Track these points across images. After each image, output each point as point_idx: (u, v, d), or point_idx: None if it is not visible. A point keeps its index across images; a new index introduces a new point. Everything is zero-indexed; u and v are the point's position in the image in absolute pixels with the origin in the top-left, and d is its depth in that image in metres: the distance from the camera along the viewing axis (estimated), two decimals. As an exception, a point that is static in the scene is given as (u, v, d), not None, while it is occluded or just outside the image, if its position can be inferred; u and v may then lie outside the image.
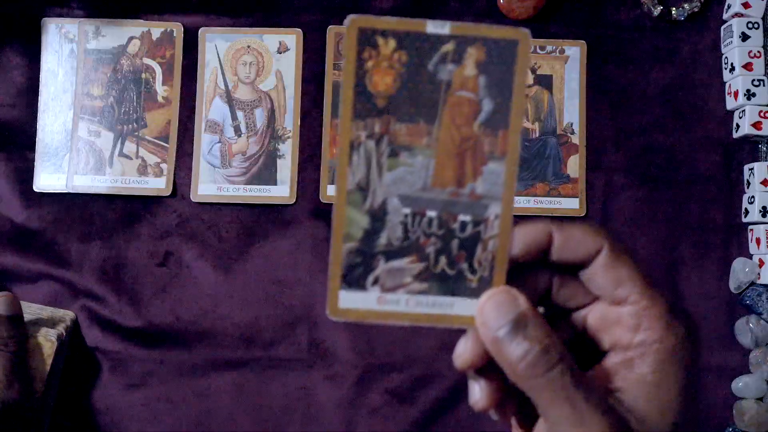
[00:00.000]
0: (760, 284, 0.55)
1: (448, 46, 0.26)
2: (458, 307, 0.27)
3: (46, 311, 0.54)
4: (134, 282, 0.56)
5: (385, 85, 0.26)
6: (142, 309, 0.56)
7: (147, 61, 0.58)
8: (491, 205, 0.27)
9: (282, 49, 0.58)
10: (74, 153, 0.57)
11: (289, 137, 0.57)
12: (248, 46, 0.58)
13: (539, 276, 0.29)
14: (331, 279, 0.27)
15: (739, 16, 0.57)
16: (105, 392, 0.55)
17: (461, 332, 0.28)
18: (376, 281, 0.27)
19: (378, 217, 0.27)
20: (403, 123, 0.27)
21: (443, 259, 0.27)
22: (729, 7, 0.58)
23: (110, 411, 0.55)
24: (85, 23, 0.58)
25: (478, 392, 0.29)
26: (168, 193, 0.57)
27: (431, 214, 0.27)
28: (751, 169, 0.57)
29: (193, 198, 0.57)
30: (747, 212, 0.56)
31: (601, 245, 0.27)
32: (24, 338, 0.51)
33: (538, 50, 0.58)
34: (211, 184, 0.57)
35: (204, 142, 0.57)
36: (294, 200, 0.57)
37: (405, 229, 0.27)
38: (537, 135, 0.58)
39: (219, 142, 0.57)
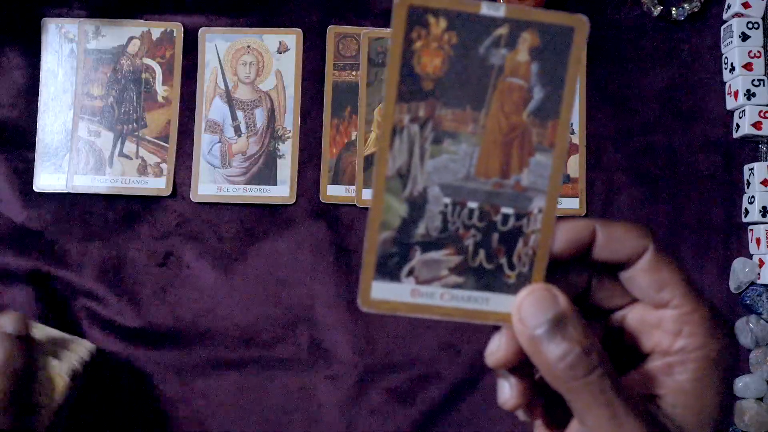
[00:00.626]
0: (760, 284, 0.55)
1: (502, 30, 0.25)
2: (494, 302, 0.27)
3: (64, 339, 0.50)
4: (134, 282, 0.56)
5: (433, 67, 0.25)
6: (142, 309, 0.56)
7: (147, 61, 0.58)
8: (535, 199, 0.26)
9: (282, 49, 0.58)
10: (74, 153, 0.57)
11: (289, 137, 0.57)
12: (248, 46, 0.58)
13: (577, 274, 0.28)
14: (365, 268, 0.26)
15: (739, 16, 0.57)
16: (105, 392, 0.55)
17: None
18: (410, 272, 0.26)
19: (417, 205, 0.26)
20: (449, 108, 0.25)
21: (482, 253, 0.26)
22: (729, 7, 0.58)
23: (110, 411, 0.55)
24: (85, 23, 0.58)
25: (508, 391, 0.28)
26: (168, 193, 0.57)
27: (472, 205, 0.26)
28: (751, 169, 0.57)
29: (193, 198, 0.57)
30: (747, 212, 0.56)
31: (645, 246, 0.27)
32: (30, 362, 0.46)
33: (538, 50, 0.58)
34: (211, 184, 0.57)
35: (204, 142, 0.57)
36: (294, 200, 0.57)
37: (444, 220, 0.26)
38: (537, 135, 0.58)
39: (219, 142, 0.57)
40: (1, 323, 0.45)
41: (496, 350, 0.27)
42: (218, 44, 0.58)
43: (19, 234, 0.56)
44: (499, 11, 0.25)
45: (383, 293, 0.26)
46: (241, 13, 0.59)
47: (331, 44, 0.58)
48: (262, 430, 0.55)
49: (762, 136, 0.56)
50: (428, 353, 0.55)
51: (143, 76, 0.58)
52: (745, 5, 0.56)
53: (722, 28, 0.58)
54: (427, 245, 0.26)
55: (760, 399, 0.55)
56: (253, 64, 0.58)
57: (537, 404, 0.28)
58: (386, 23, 0.59)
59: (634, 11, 0.59)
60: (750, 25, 0.56)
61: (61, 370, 0.48)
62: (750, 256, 0.56)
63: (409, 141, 0.25)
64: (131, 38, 0.58)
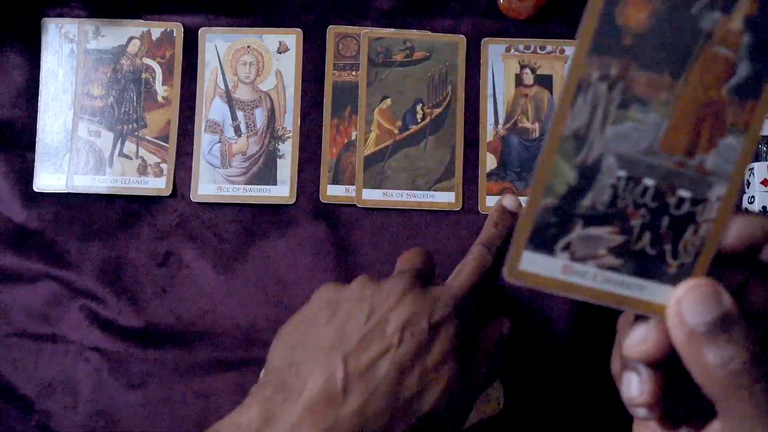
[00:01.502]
0: (760, 284, 0.55)
1: None
2: (650, 291, 0.24)
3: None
4: (134, 282, 0.56)
5: (637, 20, 0.22)
6: (142, 309, 0.56)
7: (147, 61, 0.58)
8: (716, 185, 0.24)
9: (282, 49, 0.58)
10: (74, 153, 0.57)
11: (289, 137, 0.57)
12: (248, 46, 0.58)
13: (735, 272, 0.26)
14: (518, 235, 0.24)
15: (739, 16, 0.57)
16: (105, 392, 0.55)
17: None
18: (567, 247, 0.24)
19: (588, 174, 0.23)
20: (644, 70, 0.23)
21: (647, 236, 0.24)
22: (729, 7, 0.58)
23: (110, 411, 0.55)
24: (85, 23, 0.58)
25: (638, 386, 0.26)
26: (168, 193, 0.57)
27: (649, 182, 0.24)
28: (751, 169, 0.57)
29: (193, 198, 0.57)
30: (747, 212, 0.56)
31: None
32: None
33: (538, 50, 0.58)
34: (211, 184, 0.57)
35: (204, 142, 0.57)
36: (294, 200, 0.57)
37: (614, 194, 0.24)
38: (537, 135, 0.58)
39: (219, 142, 0.57)
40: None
41: (643, 342, 0.25)
42: (218, 44, 0.58)
43: (19, 234, 0.56)
44: None
45: (533, 266, 0.24)
46: (241, 13, 0.59)
47: (331, 44, 0.58)
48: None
49: (762, 136, 0.56)
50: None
51: (143, 76, 0.58)
52: (745, 5, 0.56)
53: (722, 28, 0.58)
54: (590, 219, 0.24)
55: (760, 399, 0.55)
56: (253, 64, 0.58)
57: (664, 405, 0.26)
58: (386, 23, 0.59)
59: (634, 11, 0.59)
60: (750, 25, 0.56)
61: (497, 389, 0.46)
62: (750, 256, 0.56)
63: (593, 101, 0.23)
64: (131, 38, 0.58)
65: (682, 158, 0.24)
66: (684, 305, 0.24)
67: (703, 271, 0.24)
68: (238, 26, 0.58)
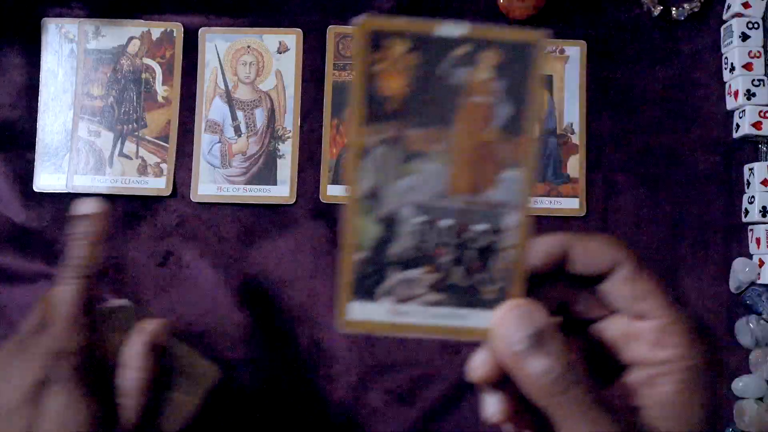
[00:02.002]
0: (760, 284, 0.55)
1: (462, 49, 0.25)
2: (474, 319, 0.26)
3: (191, 358, 0.45)
4: (134, 282, 0.56)
5: (396, 88, 0.25)
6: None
7: (147, 61, 0.58)
8: (508, 214, 0.26)
9: (282, 49, 0.58)
10: (74, 153, 0.57)
11: (289, 137, 0.57)
12: (248, 46, 0.58)
13: (555, 288, 0.28)
14: (341, 290, 0.26)
15: (739, 16, 0.57)
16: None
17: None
18: (388, 292, 0.26)
19: (390, 225, 0.26)
20: (416, 128, 0.25)
21: (458, 270, 0.26)
22: (729, 7, 0.58)
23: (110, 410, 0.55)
24: (85, 23, 0.58)
25: (492, 406, 0.28)
26: (168, 193, 0.57)
27: (445, 222, 0.26)
28: (751, 169, 0.57)
29: (193, 198, 0.57)
30: (747, 212, 0.56)
31: (618, 259, 0.27)
32: (163, 374, 0.41)
33: (538, 50, 0.58)
34: (211, 184, 0.57)
35: (204, 142, 0.57)
36: (294, 200, 0.57)
37: (418, 238, 0.26)
38: (537, 135, 0.58)
39: (219, 142, 0.57)
40: (152, 336, 0.41)
41: (478, 366, 0.27)
42: (218, 44, 0.58)
43: (19, 234, 0.56)
44: (457, 31, 0.25)
45: (361, 314, 0.26)
46: (241, 13, 0.59)
47: (331, 44, 0.58)
48: (261, 429, 0.55)
49: (762, 136, 0.56)
50: (428, 353, 0.55)
51: (143, 76, 0.58)
52: (745, 5, 0.56)
53: (722, 28, 0.58)
54: (403, 264, 0.26)
55: (760, 399, 0.55)
56: (253, 64, 0.58)
57: (525, 418, 0.28)
58: (386, 23, 0.59)
59: (634, 11, 0.59)
60: (750, 25, 0.56)
61: (187, 394, 0.43)
62: (750, 256, 0.56)
63: (379, 162, 0.26)
64: (131, 38, 0.58)
65: (469, 197, 0.26)
66: (502, 326, 0.26)
67: (519, 293, 0.26)
68: (238, 26, 0.58)
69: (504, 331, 0.26)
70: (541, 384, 0.25)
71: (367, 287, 0.26)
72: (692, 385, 0.26)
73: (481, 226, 0.26)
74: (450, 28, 0.25)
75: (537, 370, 0.25)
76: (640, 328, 0.27)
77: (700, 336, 0.26)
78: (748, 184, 0.57)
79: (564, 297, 0.28)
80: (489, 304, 0.26)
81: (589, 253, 0.27)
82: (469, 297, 0.26)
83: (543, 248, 0.27)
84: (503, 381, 0.27)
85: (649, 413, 0.26)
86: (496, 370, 0.26)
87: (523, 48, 0.25)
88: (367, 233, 0.26)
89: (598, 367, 0.28)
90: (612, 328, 0.28)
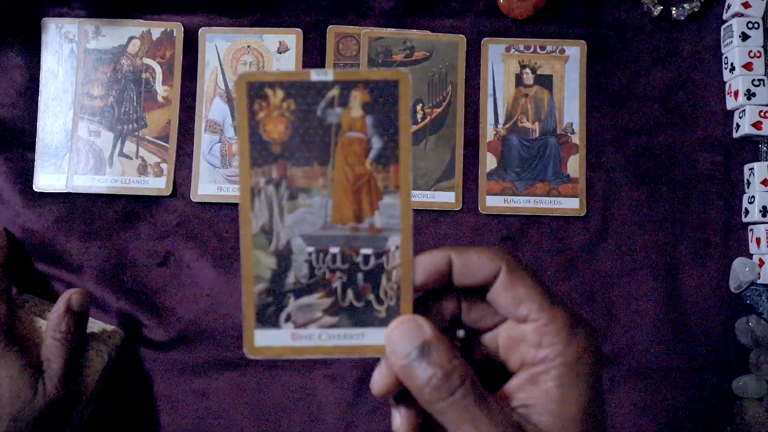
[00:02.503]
0: (760, 284, 0.55)
1: (334, 92, 0.28)
2: (369, 337, 0.29)
3: (97, 325, 0.54)
4: (134, 282, 0.56)
5: (277, 132, 0.28)
6: (142, 309, 0.56)
7: (147, 61, 0.58)
8: (391, 237, 0.28)
9: (282, 49, 0.58)
10: (74, 153, 0.57)
11: (289, 137, 0.57)
12: (248, 46, 0.58)
13: (447, 301, 0.30)
14: (246, 319, 0.28)
15: (739, 16, 0.57)
16: (105, 392, 0.55)
17: None
18: (288, 318, 0.29)
19: (284, 257, 0.28)
20: (298, 167, 0.28)
21: (350, 293, 0.29)
22: (729, 7, 0.58)
23: (110, 411, 0.55)
24: (85, 23, 0.58)
25: (398, 419, 0.30)
26: (168, 193, 0.57)
27: (334, 250, 0.28)
28: (751, 169, 0.57)
29: (193, 198, 0.57)
30: (747, 212, 0.56)
31: (498, 267, 0.28)
32: (84, 340, 0.51)
33: (538, 50, 0.58)
34: (211, 184, 0.57)
35: (204, 142, 0.57)
36: (294, 200, 0.57)
37: (311, 267, 0.28)
38: (537, 135, 0.58)
39: (219, 142, 0.57)
40: (70, 299, 0.49)
41: (377, 380, 0.29)
42: (218, 44, 0.58)
43: (19, 234, 0.56)
44: (328, 75, 0.28)
45: (266, 340, 0.29)
46: (241, 13, 0.59)
47: (331, 44, 0.58)
48: (261, 429, 0.55)
49: (762, 136, 0.56)
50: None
51: (143, 76, 0.58)
52: (745, 5, 0.56)
53: (722, 28, 0.58)
54: (300, 291, 0.29)
55: (760, 399, 0.55)
56: (253, 64, 0.58)
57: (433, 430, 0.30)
58: (386, 23, 0.59)
59: (634, 11, 0.59)
60: (750, 25, 0.56)
61: (100, 350, 0.51)
62: (750, 256, 0.56)
63: (267, 201, 0.28)
64: (131, 38, 0.58)
65: (354, 224, 0.28)
66: (393, 341, 0.28)
67: (408, 309, 0.28)
68: (238, 26, 0.58)
69: (393, 346, 0.28)
70: (426, 392, 0.27)
71: (268, 315, 0.29)
72: (570, 379, 0.27)
73: (366, 251, 0.28)
74: (321, 74, 0.28)
75: (422, 379, 0.27)
76: (524, 331, 0.28)
77: (576, 332, 0.28)
78: (748, 184, 0.57)
79: (458, 310, 0.30)
80: (382, 322, 0.29)
81: (470, 264, 0.29)
82: (363, 317, 0.29)
83: (427, 265, 0.29)
84: (405, 394, 0.28)
85: (533, 410, 0.28)
86: (395, 383, 0.28)
87: (388, 85, 0.28)
88: (264, 266, 0.28)
89: (497, 372, 0.30)
90: (503, 334, 0.30)
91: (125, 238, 0.57)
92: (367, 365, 0.55)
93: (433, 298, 0.30)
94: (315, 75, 0.27)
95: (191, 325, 0.56)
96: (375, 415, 0.55)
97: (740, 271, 0.56)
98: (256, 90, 0.27)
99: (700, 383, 0.56)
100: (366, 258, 0.28)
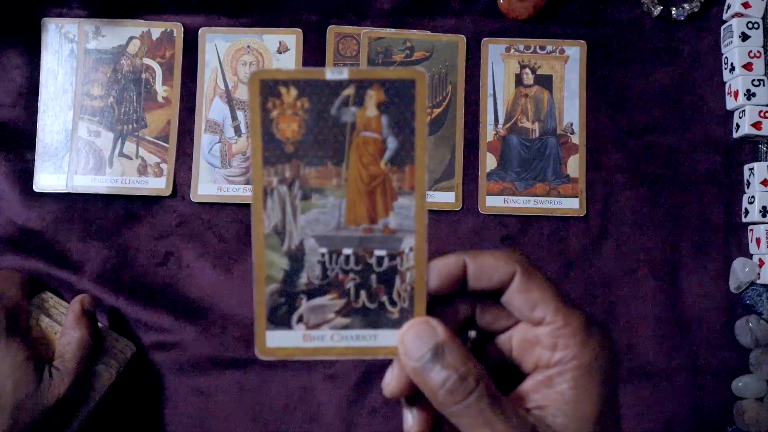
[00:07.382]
0: (760, 284, 0.55)
1: (349, 90, 0.27)
2: (382, 338, 0.28)
3: (111, 336, 0.54)
4: (134, 282, 0.56)
5: (291, 131, 0.27)
6: (142, 308, 0.56)
7: (147, 61, 0.58)
8: (405, 239, 0.28)
9: (282, 49, 0.58)
10: (74, 153, 0.57)
11: (289, 137, 0.57)
12: (248, 46, 0.58)
13: (462, 304, 0.30)
14: (257, 320, 0.28)
15: (739, 16, 0.57)
16: (105, 392, 0.55)
17: None
18: (300, 319, 0.28)
19: (296, 258, 0.28)
20: (312, 166, 0.28)
21: (363, 294, 0.28)
22: (729, 7, 0.58)
23: (110, 411, 0.55)
24: (85, 23, 0.58)
25: (410, 420, 0.30)
26: (168, 193, 0.57)
27: (347, 251, 0.28)
28: (751, 169, 0.57)
29: (193, 198, 0.57)
30: (747, 212, 0.56)
31: (513, 271, 0.28)
32: (98, 341, 0.51)
33: (538, 50, 0.58)
34: (211, 184, 0.57)
35: (204, 142, 0.57)
36: (294, 200, 0.57)
37: (324, 268, 0.28)
38: (537, 135, 0.58)
39: (219, 142, 0.57)
40: (83, 301, 0.51)
41: (390, 382, 0.29)
42: (218, 44, 0.58)
43: (19, 234, 0.56)
44: (343, 74, 0.27)
45: (278, 341, 0.28)
46: (241, 13, 0.59)
47: (331, 44, 0.58)
48: (262, 429, 0.55)
49: (762, 136, 0.56)
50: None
51: (143, 76, 0.58)
52: (745, 5, 0.56)
53: (722, 28, 0.58)
54: (312, 292, 0.28)
55: (760, 399, 0.55)
56: (253, 64, 0.58)
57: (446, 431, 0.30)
58: (386, 23, 0.59)
59: (634, 11, 0.59)
60: (750, 25, 0.56)
61: (109, 364, 0.52)
62: (750, 256, 0.56)
63: (280, 200, 0.28)
64: (131, 38, 0.58)
65: (368, 225, 0.28)
66: (406, 343, 0.28)
67: (422, 311, 0.28)
68: (238, 26, 0.58)
69: (407, 348, 0.28)
70: (440, 395, 0.27)
71: (281, 316, 0.28)
72: (585, 381, 0.27)
73: (380, 252, 0.28)
74: (336, 73, 0.27)
75: (436, 382, 0.27)
76: (538, 334, 0.28)
77: (591, 334, 0.28)
78: (748, 184, 0.57)
79: (472, 312, 0.30)
80: (395, 324, 0.28)
81: (485, 268, 0.28)
82: (375, 318, 0.28)
83: (441, 270, 0.28)
84: (418, 395, 0.28)
85: (548, 411, 0.28)
86: (407, 385, 0.28)
87: (404, 85, 0.27)
88: (277, 266, 0.28)
89: (511, 375, 0.30)
90: (517, 337, 0.30)
91: (125, 238, 0.57)
92: (368, 365, 0.55)
93: (446, 301, 0.29)
94: (330, 73, 0.27)
95: (191, 324, 0.56)
96: (375, 415, 0.55)
97: (740, 271, 0.56)
98: (269, 88, 0.27)
99: (700, 383, 0.56)
100: (380, 259, 0.28)
